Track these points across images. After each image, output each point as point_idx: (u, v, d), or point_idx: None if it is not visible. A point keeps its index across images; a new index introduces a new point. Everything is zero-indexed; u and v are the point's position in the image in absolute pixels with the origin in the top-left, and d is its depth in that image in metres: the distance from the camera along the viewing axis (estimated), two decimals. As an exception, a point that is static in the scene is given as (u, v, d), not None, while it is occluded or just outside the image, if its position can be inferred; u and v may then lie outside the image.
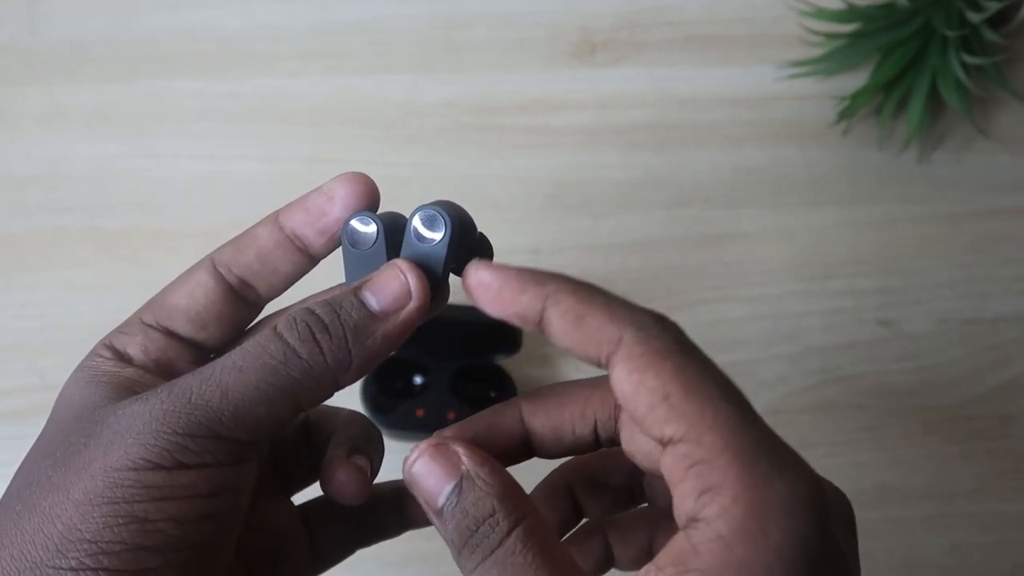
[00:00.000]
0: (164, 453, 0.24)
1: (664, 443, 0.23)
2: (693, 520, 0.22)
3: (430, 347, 0.50)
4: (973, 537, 0.51)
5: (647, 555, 0.30)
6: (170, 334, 0.29)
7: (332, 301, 0.26)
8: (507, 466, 0.27)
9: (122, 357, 0.28)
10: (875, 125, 0.58)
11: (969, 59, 0.54)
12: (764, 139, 0.58)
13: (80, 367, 0.28)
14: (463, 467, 0.25)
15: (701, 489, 0.22)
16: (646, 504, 0.31)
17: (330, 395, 0.26)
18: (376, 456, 0.31)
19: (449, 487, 0.25)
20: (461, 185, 0.57)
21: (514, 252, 0.55)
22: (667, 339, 0.24)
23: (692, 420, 0.23)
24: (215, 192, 0.57)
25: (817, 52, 0.58)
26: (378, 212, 0.29)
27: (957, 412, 0.53)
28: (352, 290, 0.27)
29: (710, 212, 0.56)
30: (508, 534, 0.24)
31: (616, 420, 0.28)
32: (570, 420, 0.28)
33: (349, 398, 0.49)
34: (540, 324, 0.25)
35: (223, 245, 0.29)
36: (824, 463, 0.51)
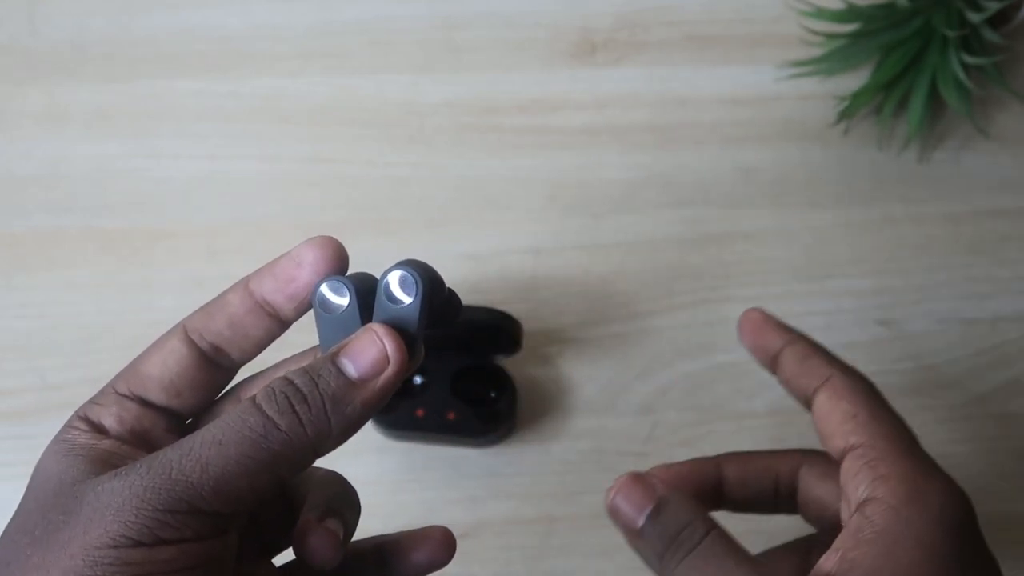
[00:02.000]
0: (144, 530, 0.24)
1: (846, 451, 0.31)
2: (866, 501, 0.29)
3: (430, 347, 0.50)
4: (973, 537, 0.51)
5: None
6: (144, 403, 0.29)
7: (310, 369, 0.26)
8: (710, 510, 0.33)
9: (98, 429, 0.28)
10: (875, 125, 0.58)
11: (969, 59, 0.54)
12: (764, 139, 0.58)
13: (56, 440, 0.28)
14: (659, 492, 0.30)
15: (874, 477, 0.29)
16: (787, 543, 0.36)
17: (310, 464, 0.27)
18: (351, 516, 0.31)
19: (649, 508, 0.30)
20: (461, 185, 0.57)
21: (514, 252, 0.55)
22: (864, 384, 0.33)
23: (872, 432, 0.31)
24: (215, 192, 0.57)
25: (817, 52, 0.58)
26: (348, 273, 0.29)
27: (957, 412, 0.53)
28: (329, 357, 0.27)
29: (710, 212, 0.56)
30: (707, 534, 0.29)
31: (795, 476, 0.35)
32: (755, 472, 0.35)
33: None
34: (775, 359, 0.35)
35: (194, 312, 0.29)
36: (824, 463, 0.51)
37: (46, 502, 0.26)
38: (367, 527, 0.33)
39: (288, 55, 0.60)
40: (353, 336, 0.27)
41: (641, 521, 0.30)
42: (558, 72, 0.60)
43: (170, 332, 0.29)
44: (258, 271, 0.29)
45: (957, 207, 0.57)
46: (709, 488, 0.35)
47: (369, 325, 0.27)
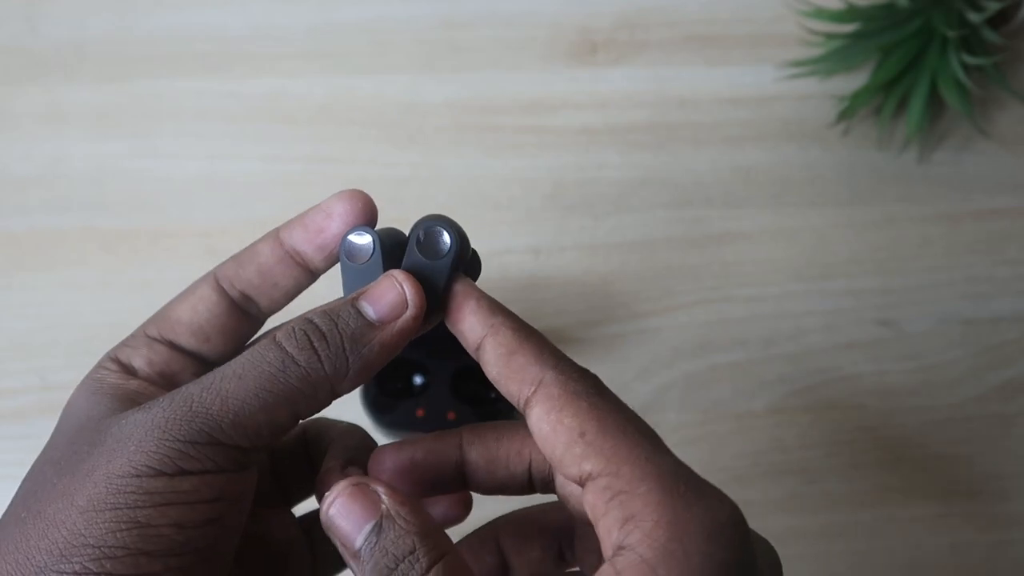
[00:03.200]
0: (166, 460, 0.24)
1: (584, 480, 0.24)
2: (619, 550, 0.23)
3: (430, 347, 0.50)
4: (973, 537, 0.51)
5: (554, 556, 0.30)
6: (174, 347, 0.29)
7: (330, 311, 0.27)
8: (441, 494, 0.28)
9: (127, 369, 0.29)
10: (875, 125, 0.58)
11: (969, 59, 0.54)
12: (764, 139, 0.58)
13: (86, 379, 0.29)
14: (383, 506, 0.25)
15: (624, 518, 0.23)
16: (576, 569, 0.30)
17: (328, 403, 0.27)
18: None
19: (369, 526, 0.25)
20: (461, 185, 0.57)
21: (514, 252, 0.55)
22: (585, 383, 0.25)
23: (608, 454, 0.24)
24: (215, 192, 0.57)
25: (817, 52, 0.58)
26: (376, 227, 0.29)
27: (957, 412, 0.53)
28: (350, 300, 0.27)
29: (710, 212, 0.56)
30: (427, 571, 0.24)
31: (550, 465, 0.29)
32: (505, 455, 0.29)
33: (349, 398, 0.49)
34: (477, 350, 0.27)
35: (225, 261, 0.30)
36: (824, 463, 0.51)
37: (73, 435, 0.26)
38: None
39: (288, 55, 0.60)
40: (373, 283, 0.28)
41: (359, 541, 0.24)
42: (558, 72, 0.60)
43: (201, 279, 0.30)
44: (289, 222, 0.30)
45: (957, 207, 0.57)
46: (450, 471, 0.29)
47: (389, 272, 0.28)
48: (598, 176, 0.57)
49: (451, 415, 0.49)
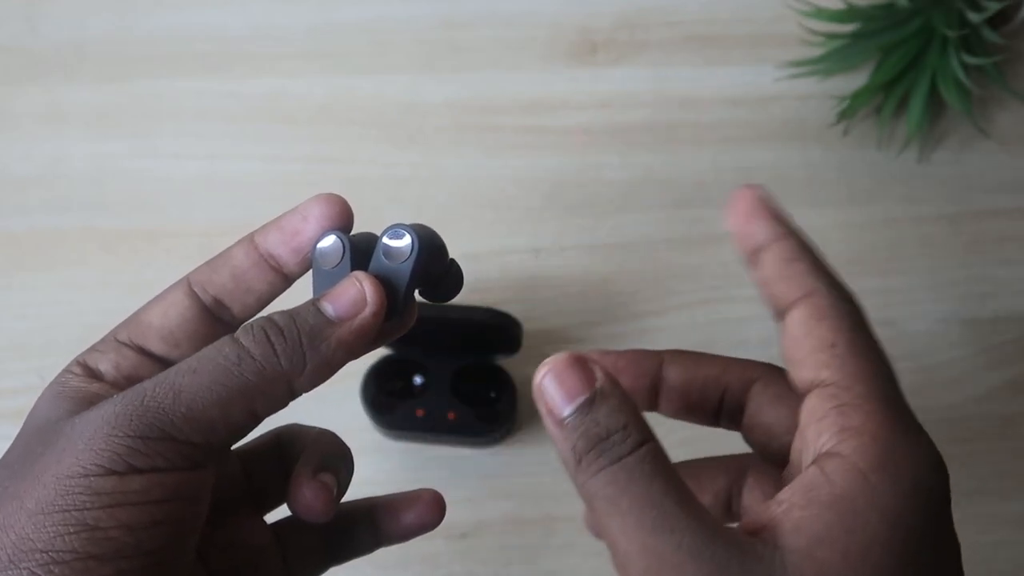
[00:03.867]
0: (115, 457, 0.24)
1: (814, 386, 0.26)
2: (827, 455, 0.24)
3: (430, 347, 0.50)
4: (973, 537, 0.51)
5: (722, 504, 0.31)
6: (143, 352, 0.29)
7: (290, 310, 0.27)
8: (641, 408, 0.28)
9: (92, 374, 0.28)
10: (875, 125, 0.58)
11: (969, 59, 0.54)
12: (764, 139, 0.58)
13: (51, 383, 0.28)
14: (599, 383, 0.25)
15: (842, 427, 0.24)
16: (722, 457, 0.31)
17: (286, 402, 0.27)
18: (344, 473, 0.31)
19: (582, 398, 0.25)
20: (461, 185, 0.57)
21: (514, 252, 0.55)
22: (850, 307, 0.27)
23: (848, 369, 0.25)
24: (215, 192, 0.57)
25: (817, 52, 0.58)
26: (353, 232, 0.29)
27: (957, 412, 0.53)
28: (311, 301, 0.27)
29: (710, 212, 0.56)
30: (639, 446, 0.24)
31: (746, 393, 0.30)
32: (703, 378, 0.30)
33: (348, 397, 0.49)
34: (756, 254, 0.29)
35: (200, 266, 0.30)
36: (824, 463, 0.51)
37: (29, 438, 0.26)
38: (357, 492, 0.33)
39: (288, 55, 0.60)
40: (337, 284, 0.28)
41: (568, 411, 0.25)
42: (558, 72, 0.60)
43: (174, 284, 0.30)
44: (264, 226, 0.30)
45: (957, 207, 0.57)
46: (646, 386, 0.30)
47: (352, 273, 0.28)
48: (598, 176, 0.57)
49: (451, 415, 0.49)
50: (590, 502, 0.24)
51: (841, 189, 0.57)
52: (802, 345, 0.26)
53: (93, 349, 0.29)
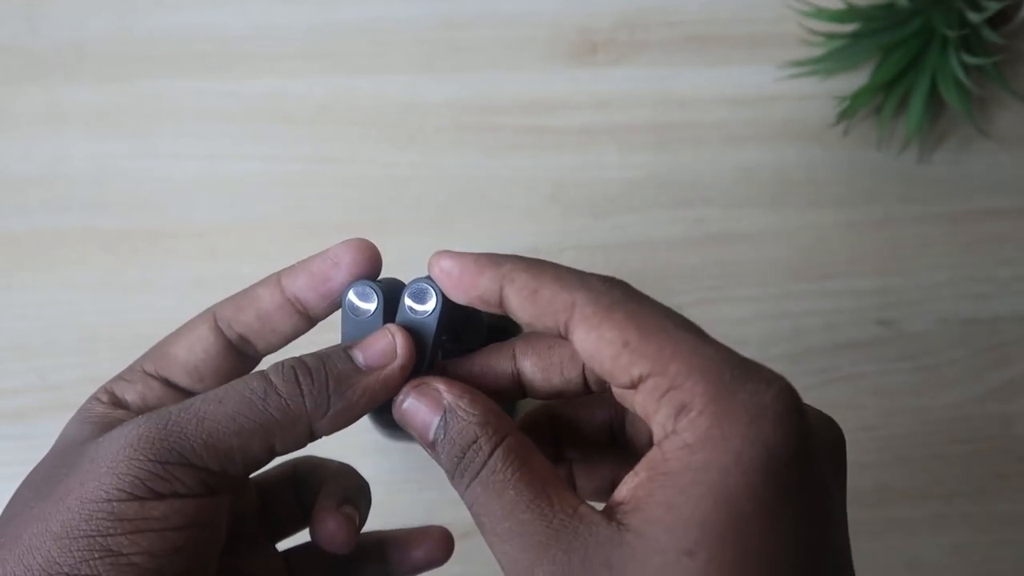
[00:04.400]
0: (136, 482, 0.24)
1: (635, 385, 0.25)
2: (667, 436, 0.24)
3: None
4: (973, 537, 0.51)
5: (610, 488, 0.31)
6: (168, 384, 0.29)
7: (321, 352, 0.27)
8: (501, 403, 0.28)
9: (118, 402, 0.29)
10: (875, 125, 0.58)
11: (969, 59, 0.54)
12: (764, 139, 0.58)
13: (79, 410, 0.29)
14: (444, 401, 0.26)
15: (676, 410, 0.24)
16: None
17: (304, 443, 0.27)
18: (364, 507, 0.32)
19: (436, 420, 0.26)
20: (461, 185, 0.57)
21: (514, 252, 0.55)
22: (615, 294, 0.26)
23: (653, 356, 0.24)
24: (215, 192, 0.57)
25: (817, 52, 0.58)
26: (380, 277, 0.30)
27: (957, 412, 0.53)
28: (343, 347, 0.28)
29: (710, 212, 0.56)
30: (490, 455, 0.25)
31: None
32: (559, 362, 0.29)
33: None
34: (501, 305, 0.27)
35: (225, 300, 0.30)
36: (824, 463, 0.51)
37: (54, 460, 0.27)
38: (368, 526, 0.34)
39: (288, 55, 0.60)
40: (370, 335, 0.28)
41: (432, 434, 0.26)
42: (558, 72, 0.60)
43: (200, 317, 0.30)
44: (292, 267, 0.30)
45: (957, 207, 0.57)
46: (507, 385, 0.29)
47: (386, 325, 0.28)
48: (598, 176, 0.57)
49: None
50: (472, 515, 0.26)
51: (841, 189, 0.57)
52: (600, 358, 0.25)
53: (120, 378, 0.29)
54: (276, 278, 0.30)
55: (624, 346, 0.25)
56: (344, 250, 0.29)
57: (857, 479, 0.51)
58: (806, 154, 0.58)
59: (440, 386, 0.27)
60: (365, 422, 0.49)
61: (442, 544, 0.33)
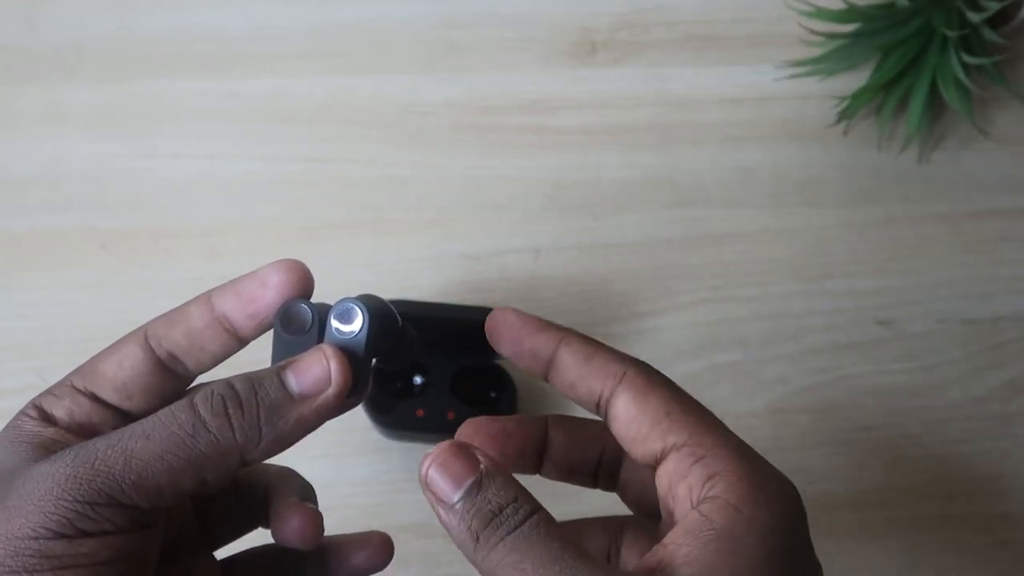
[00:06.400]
0: (64, 521, 0.24)
1: (666, 453, 0.28)
2: (702, 501, 0.26)
3: (430, 347, 0.50)
4: (973, 537, 0.51)
5: (607, 556, 0.32)
6: (96, 400, 0.29)
7: (253, 377, 0.27)
8: (519, 471, 0.30)
9: (47, 418, 0.28)
10: (875, 125, 0.58)
11: (969, 59, 0.54)
12: (764, 139, 0.58)
13: (6, 426, 0.28)
14: (482, 464, 0.27)
15: (708, 476, 0.27)
16: (600, 517, 0.33)
17: (236, 471, 0.27)
18: (315, 505, 0.32)
19: (469, 482, 0.26)
20: (461, 185, 0.57)
21: (514, 252, 0.55)
22: (662, 376, 0.29)
23: (691, 428, 0.28)
24: (215, 192, 0.57)
25: (817, 52, 0.58)
26: (311, 300, 0.29)
27: (957, 412, 0.53)
28: (276, 369, 0.27)
29: (710, 212, 0.56)
30: (531, 515, 0.26)
31: (622, 452, 0.31)
32: (583, 440, 0.32)
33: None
34: (549, 363, 0.30)
35: (158, 317, 0.30)
36: (824, 463, 0.51)
37: None
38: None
39: (288, 55, 0.60)
40: (303, 353, 0.28)
41: (457, 496, 0.26)
42: (558, 72, 0.60)
43: (131, 334, 0.30)
44: (222, 287, 0.29)
45: (957, 207, 0.57)
46: (533, 448, 0.31)
47: (320, 345, 0.28)
48: (598, 176, 0.57)
49: (451, 415, 0.49)
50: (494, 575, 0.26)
51: (841, 189, 0.57)
52: (639, 423, 0.28)
53: (49, 393, 0.29)
54: (207, 296, 0.29)
55: (666, 415, 0.28)
56: (273, 271, 0.29)
57: (857, 479, 0.51)
58: (806, 154, 0.58)
59: (480, 453, 0.27)
60: (365, 422, 0.49)
61: (382, 549, 0.33)
